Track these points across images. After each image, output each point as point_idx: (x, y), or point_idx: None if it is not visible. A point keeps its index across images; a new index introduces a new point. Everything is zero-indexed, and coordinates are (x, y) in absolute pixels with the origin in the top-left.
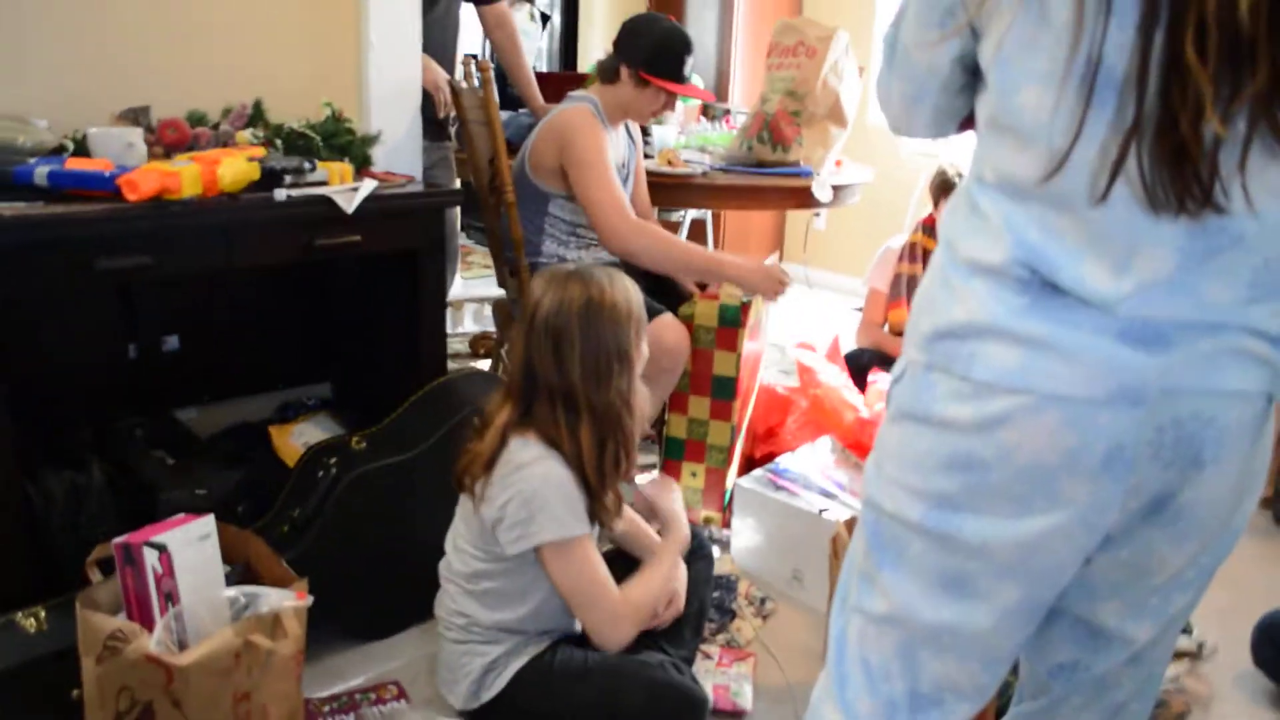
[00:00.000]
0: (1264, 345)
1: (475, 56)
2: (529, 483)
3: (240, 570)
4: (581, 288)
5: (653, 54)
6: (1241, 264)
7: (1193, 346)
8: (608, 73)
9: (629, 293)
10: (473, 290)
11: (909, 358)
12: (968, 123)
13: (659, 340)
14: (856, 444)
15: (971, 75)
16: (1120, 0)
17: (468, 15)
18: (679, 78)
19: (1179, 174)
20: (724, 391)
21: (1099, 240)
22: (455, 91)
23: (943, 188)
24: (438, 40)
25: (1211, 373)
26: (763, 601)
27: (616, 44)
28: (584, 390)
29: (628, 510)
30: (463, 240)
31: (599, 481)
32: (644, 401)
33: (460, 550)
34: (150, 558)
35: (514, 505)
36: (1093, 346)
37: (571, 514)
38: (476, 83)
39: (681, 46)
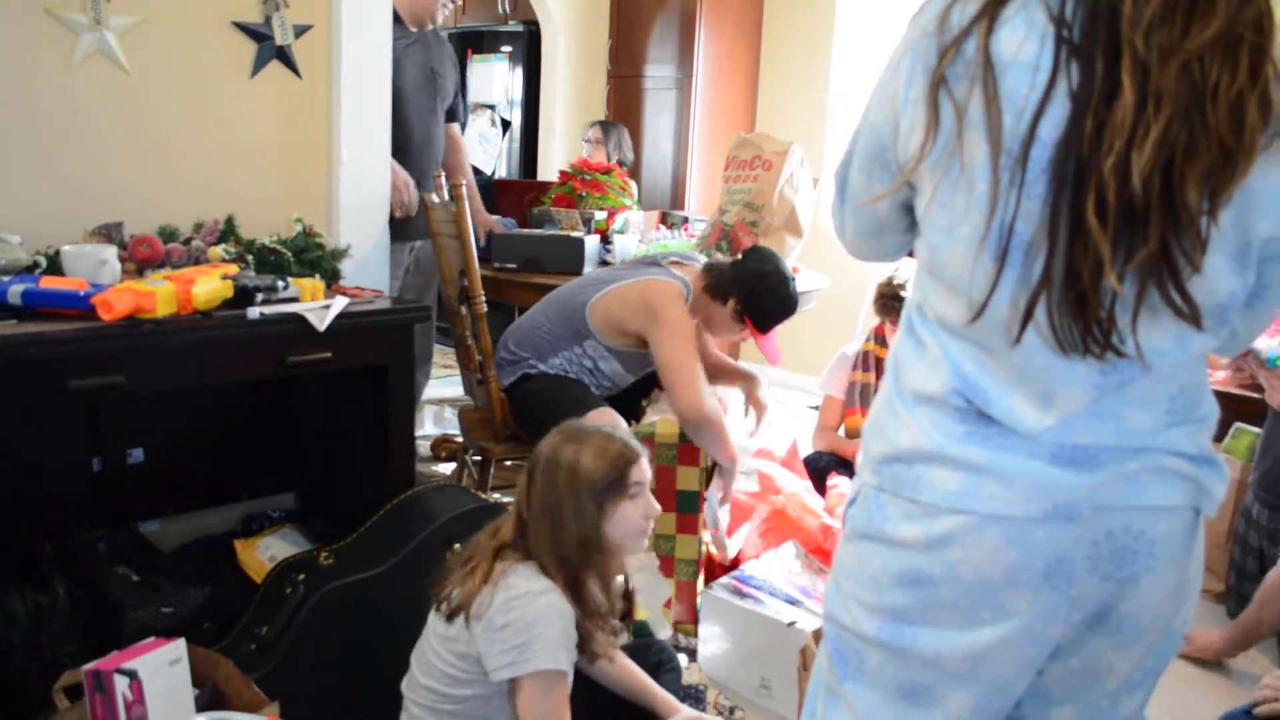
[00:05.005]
0: (1185, 463)
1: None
2: (532, 608)
3: (209, 692)
4: (573, 442)
5: (766, 310)
6: (1158, 392)
7: (1119, 466)
8: (716, 291)
9: (609, 446)
10: (433, 391)
11: (862, 480)
12: None
13: None
14: (819, 549)
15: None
16: (1031, 173)
17: None
18: (769, 330)
19: (1081, 321)
20: (689, 505)
21: (1022, 378)
22: (426, 205)
23: (885, 309)
24: (420, 134)
25: (1137, 489)
26: (731, 711)
27: (740, 276)
28: (564, 530)
29: (627, 660)
30: None
31: (595, 610)
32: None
33: (430, 667)
34: (121, 684)
35: (512, 631)
36: (1027, 469)
37: (565, 649)
38: (448, 196)
39: (790, 312)
